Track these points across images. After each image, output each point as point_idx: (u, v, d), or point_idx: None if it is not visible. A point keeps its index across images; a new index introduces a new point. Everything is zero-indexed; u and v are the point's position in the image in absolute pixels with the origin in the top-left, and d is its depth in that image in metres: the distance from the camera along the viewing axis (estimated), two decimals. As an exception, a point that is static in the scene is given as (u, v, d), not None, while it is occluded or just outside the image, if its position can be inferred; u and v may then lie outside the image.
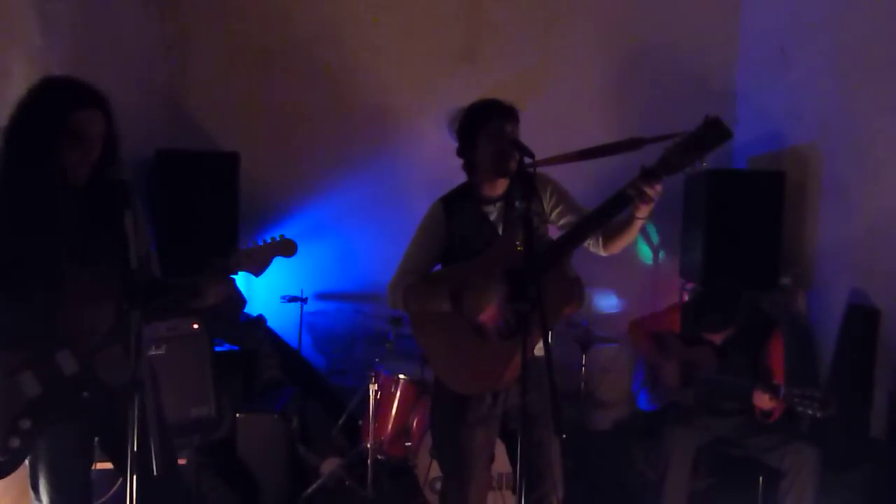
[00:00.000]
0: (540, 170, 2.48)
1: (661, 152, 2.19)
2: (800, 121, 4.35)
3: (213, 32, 4.75)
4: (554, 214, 2.52)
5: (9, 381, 2.06)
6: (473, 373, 2.41)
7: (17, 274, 2.05)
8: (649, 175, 2.17)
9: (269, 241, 2.26)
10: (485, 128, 2.42)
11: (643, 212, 2.26)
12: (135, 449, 1.84)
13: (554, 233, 2.53)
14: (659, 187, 2.18)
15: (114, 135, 2.15)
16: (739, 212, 4.06)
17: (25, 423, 2.07)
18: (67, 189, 2.12)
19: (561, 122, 4.50)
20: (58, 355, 2.10)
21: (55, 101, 2.06)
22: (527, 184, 2.33)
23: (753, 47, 4.90)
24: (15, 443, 2.06)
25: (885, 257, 3.56)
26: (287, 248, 2.27)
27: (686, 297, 4.48)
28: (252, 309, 4.49)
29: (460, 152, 2.52)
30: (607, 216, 2.27)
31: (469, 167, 2.52)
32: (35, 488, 2.18)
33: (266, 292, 4.65)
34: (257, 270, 2.25)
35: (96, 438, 2.29)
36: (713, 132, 2.14)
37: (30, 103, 2.08)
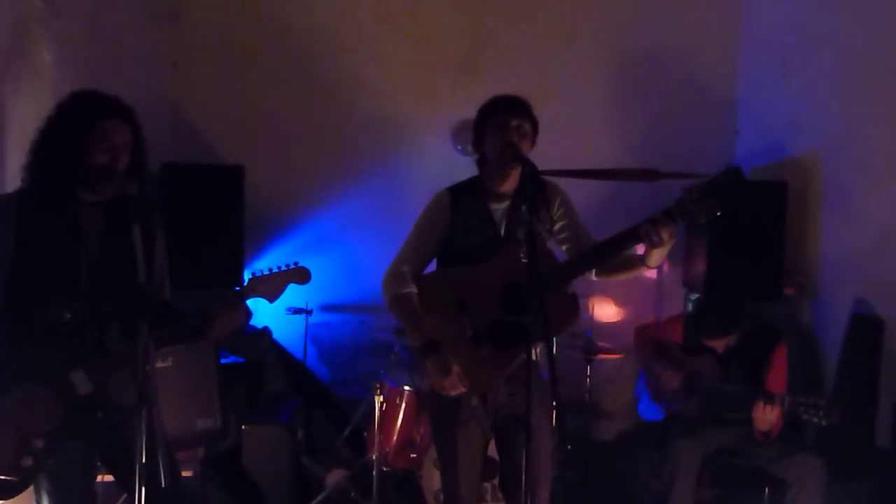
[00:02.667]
0: (551, 179, 2.50)
1: (679, 195, 2.21)
2: (801, 131, 4.36)
3: (219, 47, 4.79)
4: (557, 226, 2.53)
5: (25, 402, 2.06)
6: (467, 376, 2.41)
7: (34, 288, 2.07)
8: (666, 218, 2.19)
9: (284, 268, 2.30)
10: (491, 119, 2.46)
11: (654, 260, 2.28)
12: (143, 461, 1.84)
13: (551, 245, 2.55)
14: (672, 231, 2.19)
15: (141, 149, 2.18)
16: (742, 222, 4.07)
17: (39, 443, 2.07)
18: (91, 204, 2.15)
19: (563, 132, 4.49)
20: (72, 375, 2.09)
21: (82, 110, 2.10)
22: (536, 189, 2.36)
23: (755, 58, 4.92)
24: (28, 462, 2.06)
25: (888, 266, 3.57)
26: (301, 276, 2.31)
27: (689, 308, 4.48)
28: (257, 321, 4.51)
29: (473, 145, 2.57)
30: (617, 251, 2.29)
31: (480, 161, 2.55)
32: None
33: (271, 304, 4.66)
34: (271, 297, 2.31)
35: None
36: (732, 182, 2.15)
37: (58, 115, 2.13)
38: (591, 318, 4.34)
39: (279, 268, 2.31)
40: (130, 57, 4.22)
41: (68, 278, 2.09)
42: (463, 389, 2.37)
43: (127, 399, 2.09)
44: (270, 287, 2.29)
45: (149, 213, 2.19)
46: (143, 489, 1.85)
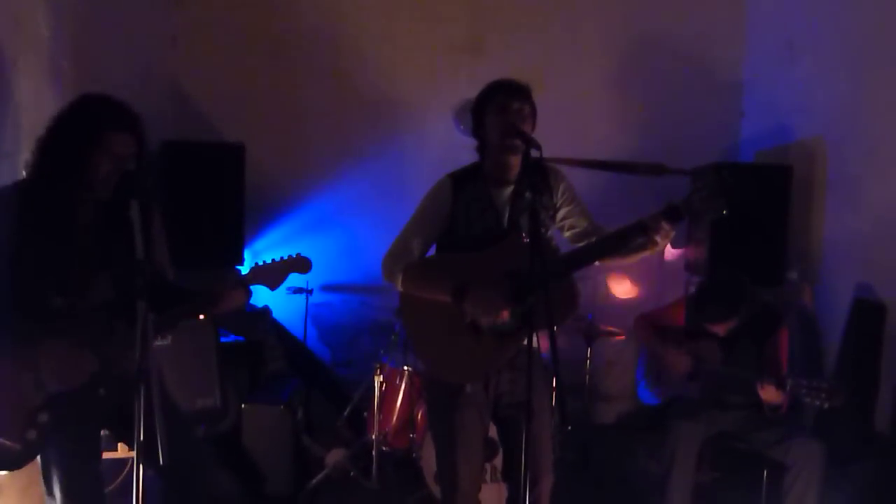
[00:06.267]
0: (553, 165, 2.47)
1: (687, 192, 2.23)
2: (807, 114, 4.33)
3: (220, 22, 4.75)
4: (560, 213, 2.50)
5: (32, 375, 2.11)
6: (465, 361, 2.39)
7: (35, 280, 2.11)
8: (673, 212, 2.19)
9: (287, 258, 2.40)
10: (491, 103, 2.42)
11: (656, 248, 2.28)
12: (141, 439, 1.86)
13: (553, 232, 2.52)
14: (676, 225, 2.21)
15: (144, 155, 2.23)
16: (746, 206, 4.03)
17: (44, 417, 2.13)
18: (90, 202, 2.21)
19: (566, 114, 4.47)
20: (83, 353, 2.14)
21: (90, 120, 2.15)
22: (539, 175, 2.33)
23: (761, 40, 4.87)
24: (32, 435, 2.11)
25: (890, 252, 3.55)
26: (302, 266, 2.41)
27: (691, 292, 4.47)
28: (258, 300, 4.50)
29: (473, 131, 2.52)
30: (623, 244, 2.28)
31: (481, 147, 2.51)
32: (49, 491, 2.22)
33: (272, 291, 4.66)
34: (273, 285, 2.40)
35: (104, 432, 2.34)
36: (729, 185, 2.17)
37: (67, 119, 2.17)
38: (593, 300, 4.34)
39: (282, 257, 2.40)
40: (129, 32, 4.18)
41: (62, 266, 2.14)
42: (506, 312, 2.32)
43: (130, 376, 2.11)
44: (272, 275, 2.38)
45: (147, 194, 2.20)
46: (146, 466, 1.88)
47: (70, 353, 2.12)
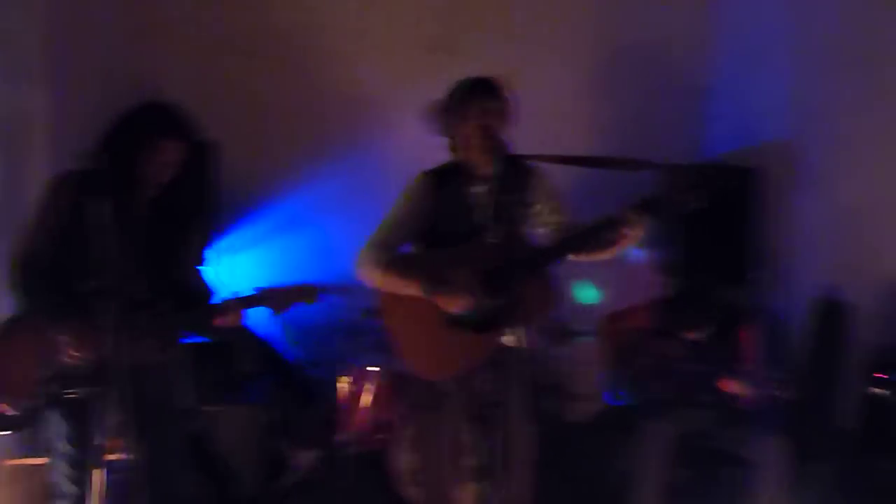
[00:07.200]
0: (532, 162, 2.49)
1: (659, 185, 2.23)
2: (771, 118, 4.41)
3: (189, 19, 4.68)
4: (539, 210, 2.52)
5: (47, 348, 2.21)
6: (442, 358, 2.40)
7: (73, 263, 2.22)
8: (647, 205, 2.19)
9: (296, 285, 2.46)
10: (461, 104, 2.41)
11: (630, 243, 2.28)
12: (102, 441, 1.97)
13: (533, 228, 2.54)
14: (650, 218, 2.22)
15: (196, 163, 2.46)
16: (713, 207, 4.09)
17: (49, 388, 2.23)
18: (141, 200, 2.36)
19: (536, 116, 4.44)
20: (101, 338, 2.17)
21: (143, 123, 2.34)
22: (516, 172, 2.33)
23: (726, 44, 4.94)
24: (31, 404, 2.23)
25: (853, 252, 3.64)
26: (310, 295, 2.47)
27: (659, 292, 4.52)
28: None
29: (444, 131, 2.51)
30: (597, 237, 2.28)
31: (452, 147, 2.51)
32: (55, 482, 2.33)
33: (241, 284, 4.60)
34: (278, 309, 2.46)
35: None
36: (711, 175, 2.18)
37: (124, 120, 2.36)
38: (564, 300, 4.36)
39: (290, 285, 2.46)
40: (99, 28, 4.12)
41: (103, 255, 2.19)
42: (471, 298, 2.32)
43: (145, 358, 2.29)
44: (278, 300, 2.45)
45: (193, 200, 2.49)
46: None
47: (86, 332, 2.18)
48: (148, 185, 2.34)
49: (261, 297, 2.43)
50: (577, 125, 4.85)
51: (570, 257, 2.43)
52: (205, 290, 2.50)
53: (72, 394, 2.26)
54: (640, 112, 4.89)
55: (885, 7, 3.53)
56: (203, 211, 2.44)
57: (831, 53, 3.91)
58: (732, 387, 3.10)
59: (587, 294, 4.79)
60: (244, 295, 2.42)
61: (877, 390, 2.76)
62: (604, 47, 4.96)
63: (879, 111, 3.51)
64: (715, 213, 4.03)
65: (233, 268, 4.78)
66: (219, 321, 2.39)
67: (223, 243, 4.72)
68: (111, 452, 2.07)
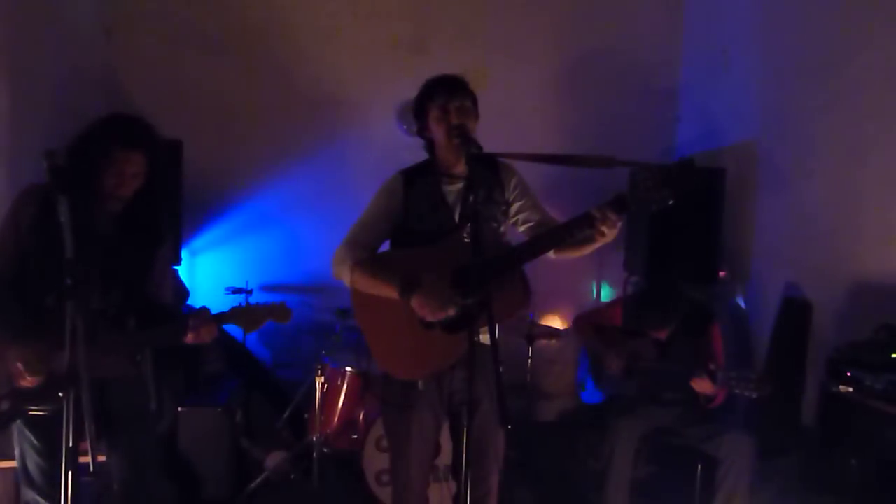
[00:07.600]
0: (504, 160, 2.49)
1: (631, 182, 2.22)
2: (739, 119, 4.48)
3: (155, 16, 4.63)
4: (513, 208, 2.52)
5: (3, 370, 2.19)
6: (415, 357, 2.39)
7: (34, 279, 2.21)
8: (620, 203, 2.21)
9: (269, 304, 2.45)
10: (431, 103, 2.42)
11: (602, 241, 2.30)
12: (70, 445, 1.86)
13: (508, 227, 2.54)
14: (622, 216, 2.22)
15: (157, 176, 2.36)
16: (681, 207, 4.13)
17: (3, 405, 2.22)
18: (103, 213, 2.33)
19: (506, 116, 4.52)
20: (57, 355, 2.12)
21: (106, 135, 2.29)
22: (489, 170, 2.32)
23: (696, 47, 5.01)
24: (4, 406, 2.20)
25: (817, 252, 3.70)
26: (282, 315, 2.46)
27: (628, 291, 4.57)
28: (195, 301, 4.40)
29: (418, 132, 2.52)
30: (569, 235, 2.28)
31: (428, 146, 2.51)
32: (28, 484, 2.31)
33: (210, 283, 4.57)
34: (248, 327, 2.45)
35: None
36: (685, 172, 2.19)
37: (86, 132, 2.31)
38: (534, 299, 4.38)
39: (263, 303, 2.45)
40: (62, 25, 4.04)
41: (62, 269, 2.15)
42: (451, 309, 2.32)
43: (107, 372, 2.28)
44: (250, 319, 2.43)
45: (153, 213, 2.39)
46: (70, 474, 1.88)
47: (36, 355, 2.17)
48: (111, 199, 2.31)
49: (232, 315, 2.41)
50: (548, 124, 4.89)
51: (544, 255, 2.44)
52: (175, 305, 2.51)
53: (36, 411, 2.25)
54: (610, 113, 4.94)
55: (846, 14, 3.60)
56: (167, 223, 2.38)
57: (795, 58, 3.98)
58: (699, 385, 3.14)
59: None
60: (216, 312, 2.40)
61: (841, 388, 2.80)
62: (574, 48, 5.00)
63: (840, 113, 3.58)
64: (685, 213, 4.13)
65: (204, 267, 4.75)
66: (190, 339, 2.36)
67: (195, 243, 4.68)
68: (82, 460, 2.02)
